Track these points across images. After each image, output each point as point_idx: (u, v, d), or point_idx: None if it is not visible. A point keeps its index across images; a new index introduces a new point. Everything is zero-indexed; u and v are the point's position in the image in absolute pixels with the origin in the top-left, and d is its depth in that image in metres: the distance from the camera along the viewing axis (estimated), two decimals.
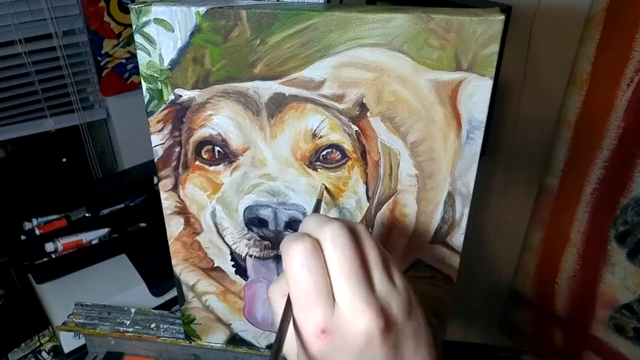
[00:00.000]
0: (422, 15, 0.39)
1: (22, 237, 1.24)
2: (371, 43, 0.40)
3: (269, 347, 0.59)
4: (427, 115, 0.42)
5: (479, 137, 0.43)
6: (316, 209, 0.44)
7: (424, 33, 0.39)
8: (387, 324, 0.29)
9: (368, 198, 0.47)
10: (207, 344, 0.60)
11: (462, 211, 0.47)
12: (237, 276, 0.54)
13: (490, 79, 0.40)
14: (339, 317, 0.29)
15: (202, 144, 0.47)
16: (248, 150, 0.47)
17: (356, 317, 0.28)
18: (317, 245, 0.30)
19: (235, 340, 0.59)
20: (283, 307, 0.31)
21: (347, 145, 0.45)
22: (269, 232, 0.50)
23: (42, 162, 1.61)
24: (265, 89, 0.43)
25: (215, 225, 0.51)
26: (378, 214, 0.48)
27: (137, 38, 0.43)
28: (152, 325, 0.64)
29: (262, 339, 0.59)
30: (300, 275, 0.29)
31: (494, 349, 0.61)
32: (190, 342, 0.61)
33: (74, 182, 1.55)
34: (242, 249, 0.52)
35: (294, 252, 0.29)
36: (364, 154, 0.45)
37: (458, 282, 0.51)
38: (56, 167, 1.62)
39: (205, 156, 0.48)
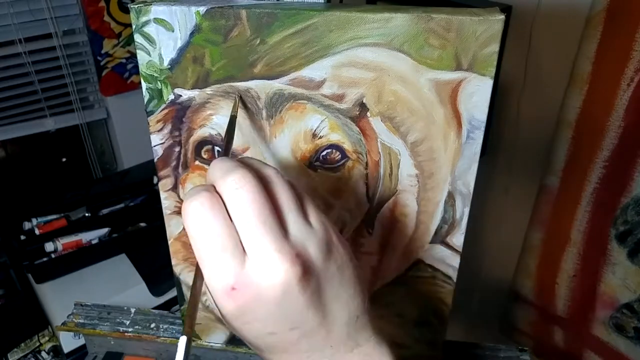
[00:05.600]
0: (422, 14, 0.38)
1: (22, 237, 1.24)
2: (371, 43, 0.40)
3: None
4: (427, 115, 0.42)
5: (479, 136, 0.43)
6: (230, 127, 0.40)
7: (424, 33, 0.39)
8: (305, 270, 0.27)
9: (368, 198, 0.47)
10: (207, 344, 0.60)
11: (463, 211, 0.47)
12: None
13: (491, 78, 0.40)
14: (251, 271, 0.27)
15: (202, 143, 0.47)
16: (248, 150, 0.47)
17: (269, 268, 0.26)
18: (216, 198, 0.27)
19: (235, 340, 0.59)
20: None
21: (347, 145, 0.45)
22: None
23: (42, 162, 1.61)
24: (265, 88, 0.43)
25: None
26: (378, 214, 0.48)
27: (137, 38, 0.43)
28: (152, 325, 0.64)
29: None
30: (196, 234, 0.27)
31: (494, 349, 0.61)
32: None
33: (74, 182, 1.55)
34: None
35: (188, 209, 0.27)
36: (364, 154, 0.45)
37: (458, 282, 0.51)
38: (56, 167, 1.62)
39: (205, 156, 0.48)
